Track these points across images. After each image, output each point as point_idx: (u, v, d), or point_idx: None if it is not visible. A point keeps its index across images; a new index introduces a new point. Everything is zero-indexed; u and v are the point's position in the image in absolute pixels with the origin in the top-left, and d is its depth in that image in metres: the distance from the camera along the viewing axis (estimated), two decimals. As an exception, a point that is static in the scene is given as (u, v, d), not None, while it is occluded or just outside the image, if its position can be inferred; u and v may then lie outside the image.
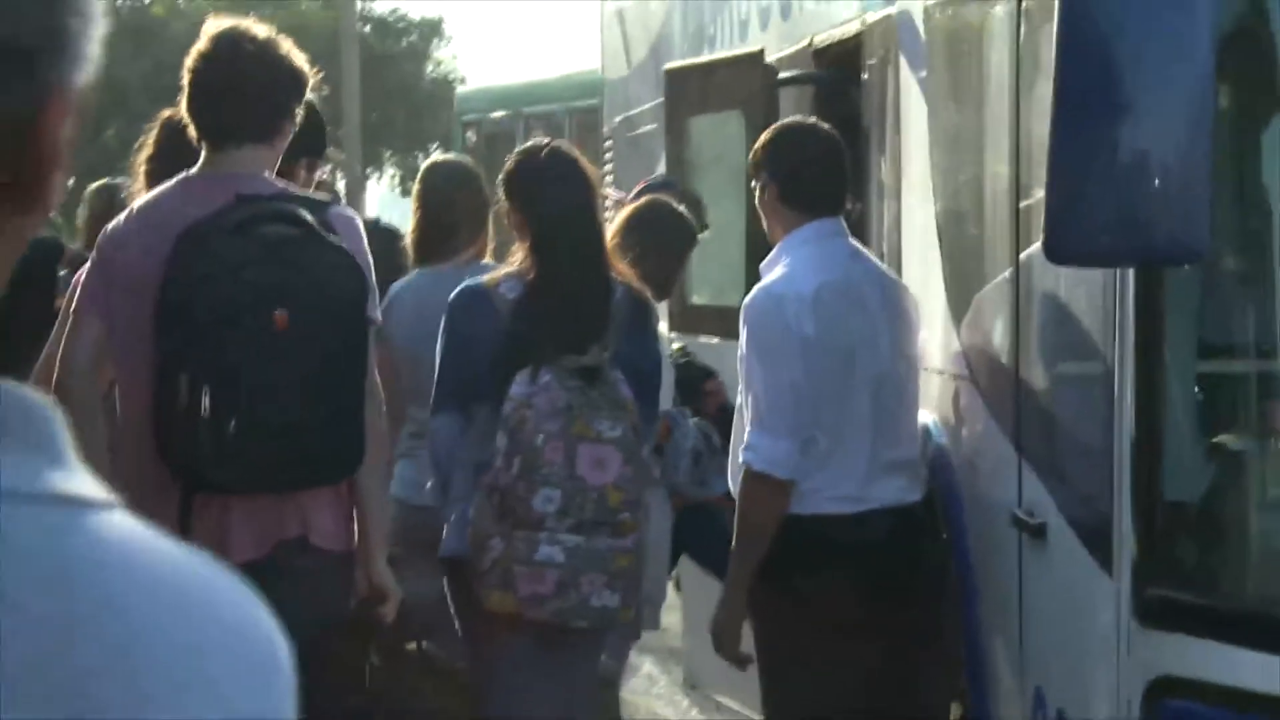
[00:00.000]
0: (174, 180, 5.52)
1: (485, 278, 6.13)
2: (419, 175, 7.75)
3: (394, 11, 33.61)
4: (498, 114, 22.64)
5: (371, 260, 5.45)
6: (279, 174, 6.54)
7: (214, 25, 5.58)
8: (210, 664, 1.47)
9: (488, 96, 24.50)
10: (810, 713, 6.20)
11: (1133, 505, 4.70)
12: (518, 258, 6.02)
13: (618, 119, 12.01)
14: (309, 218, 5.28)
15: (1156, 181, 4.26)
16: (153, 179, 6.14)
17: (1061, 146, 4.34)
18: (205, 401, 5.14)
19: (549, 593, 5.73)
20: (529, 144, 6.42)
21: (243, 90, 5.43)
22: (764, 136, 6.54)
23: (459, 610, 5.92)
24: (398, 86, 31.03)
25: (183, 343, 5.20)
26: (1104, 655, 4.85)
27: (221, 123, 5.45)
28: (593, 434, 5.75)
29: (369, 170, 28.36)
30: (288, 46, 5.56)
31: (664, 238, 7.35)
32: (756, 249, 6.96)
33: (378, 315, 5.50)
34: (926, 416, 6.51)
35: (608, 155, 12.53)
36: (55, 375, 5.36)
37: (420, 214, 7.23)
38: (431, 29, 33.73)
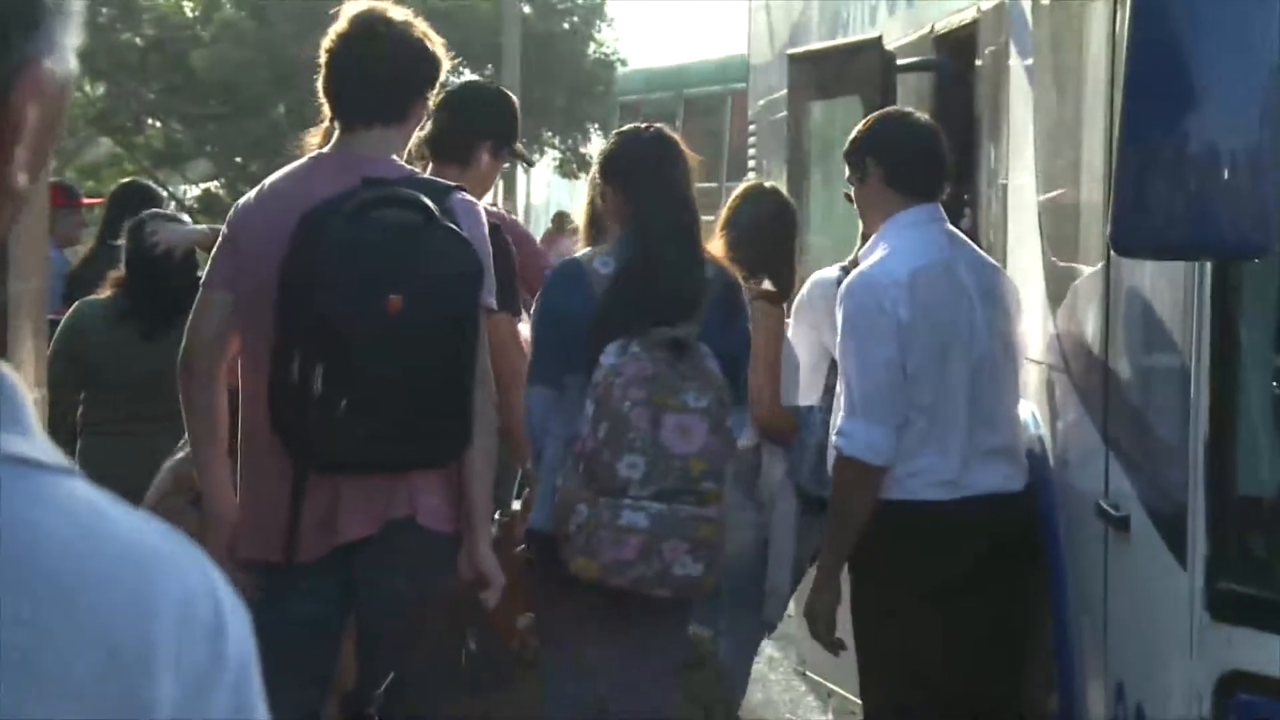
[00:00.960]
0: (306, 158, 5.61)
1: (581, 253, 6.19)
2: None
3: (557, -4, 33.78)
4: (657, 95, 22.61)
5: (490, 247, 5.49)
6: (456, 151, 6.68)
7: (352, 6, 5.62)
8: (149, 626, 1.48)
9: (647, 78, 24.52)
10: (905, 698, 6.24)
11: (1206, 499, 4.69)
12: (613, 236, 6.07)
13: (761, 103, 12.05)
14: (430, 204, 5.30)
15: (1224, 175, 4.25)
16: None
17: (1129, 138, 4.33)
18: (317, 381, 5.19)
19: (632, 558, 5.74)
20: (630, 127, 6.47)
21: (374, 72, 5.49)
22: (865, 123, 6.60)
23: (540, 584, 5.94)
24: (559, 67, 31.17)
25: (298, 322, 5.25)
26: (1177, 649, 4.83)
27: (353, 103, 5.51)
28: (678, 404, 5.78)
29: (531, 150, 28.33)
30: (423, 29, 5.61)
31: (765, 222, 7.41)
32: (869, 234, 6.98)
33: (493, 301, 5.50)
34: (1026, 406, 6.51)
35: (751, 138, 12.57)
36: (184, 343, 5.46)
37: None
38: (593, 10, 33.88)
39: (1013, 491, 6.22)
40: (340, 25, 5.55)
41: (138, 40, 29.94)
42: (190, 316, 5.51)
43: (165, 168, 31.58)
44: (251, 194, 5.61)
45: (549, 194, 44.21)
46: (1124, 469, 5.40)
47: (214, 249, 5.62)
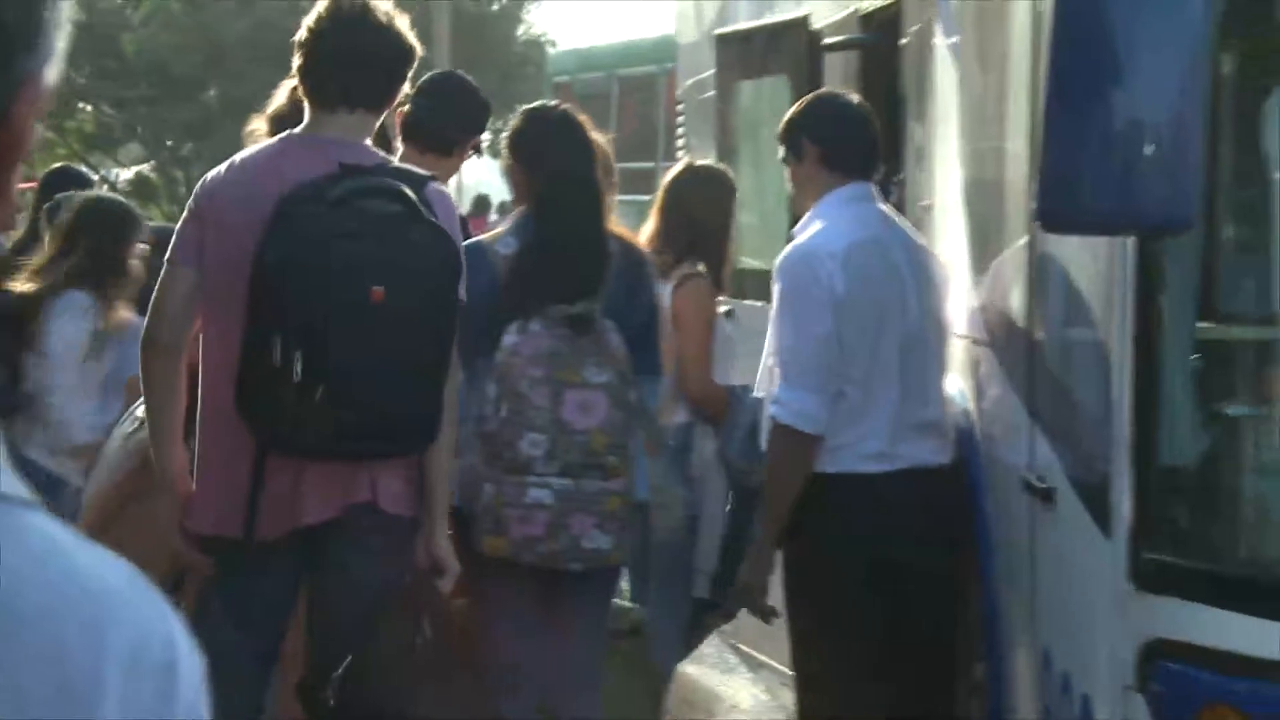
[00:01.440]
0: (276, 138, 5.57)
1: (485, 235, 6.24)
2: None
3: (485, -27, 33.77)
4: (590, 75, 22.51)
5: (462, 236, 5.51)
6: (442, 142, 6.75)
7: None
8: (100, 663, 1.46)
9: (580, 58, 24.39)
10: (836, 668, 6.25)
11: (1130, 470, 4.72)
12: (517, 214, 6.14)
13: (689, 82, 12.05)
14: (412, 196, 5.29)
15: (1147, 151, 4.26)
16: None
17: (1055, 116, 4.36)
18: (297, 366, 5.14)
19: (540, 534, 5.82)
20: (537, 105, 6.54)
21: (369, 58, 5.46)
22: (801, 104, 6.63)
23: (463, 562, 5.96)
24: (489, 48, 31.14)
25: (279, 305, 5.21)
26: (1102, 618, 4.87)
27: (340, 86, 5.45)
28: (579, 380, 5.85)
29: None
30: (404, 21, 5.60)
31: (705, 199, 7.44)
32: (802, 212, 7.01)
33: (463, 293, 5.47)
34: (953, 381, 6.53)
35: (680, 118, 12.58)
36: (148, 317, 5.44)
37: None
38: (521, -7, 33.97)
39: (941, 465, 6.26)
40: (331, 10, 5.50)
41: (69, 24, 29.90)
42: (155, 291, 5.46)
43: (97, 152, 31.55)
44: (220, 170, 5.51)
45: (480, 177, 44.14)
46: (1049, 442, 5.43)
47: (179, 224, 5.55)
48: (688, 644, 7.76)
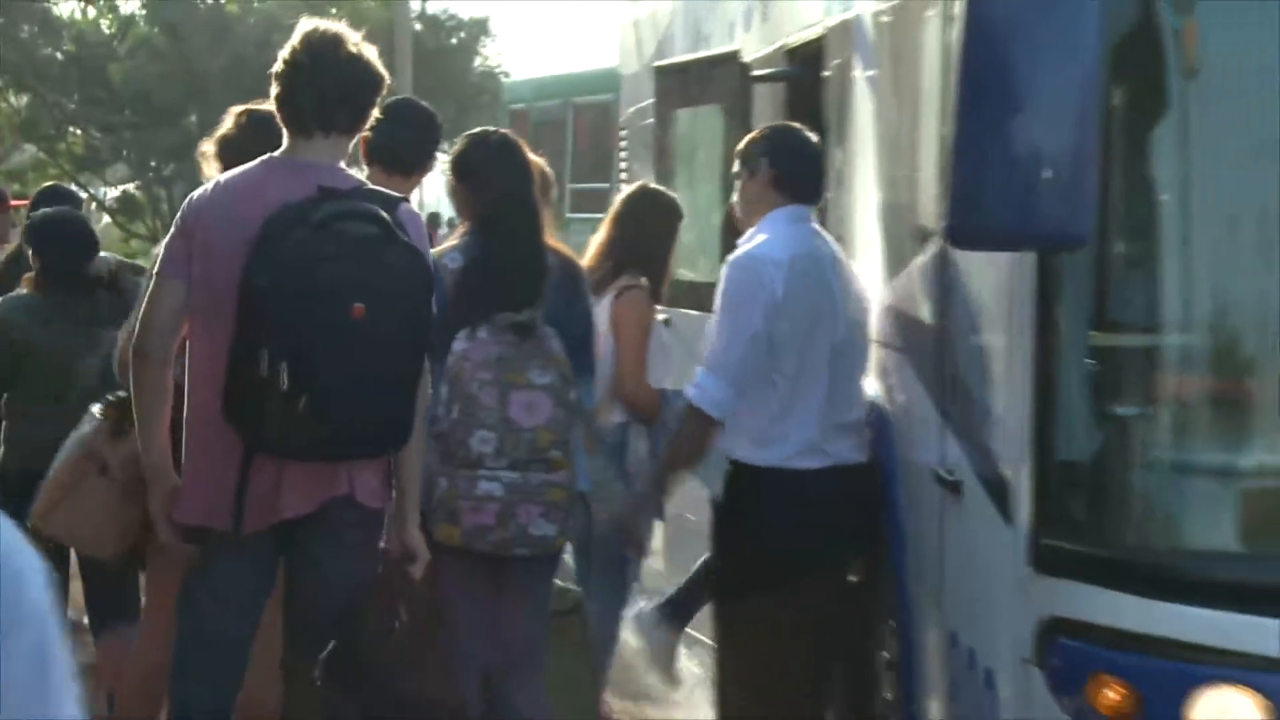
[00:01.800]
0: (257, 161, 5.52)
1: (433, 250, 6.17)
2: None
3: (445, 10, 33.65)
4: (546, 103, 22.30)
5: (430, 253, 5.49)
6: (409, 164, 6.65)
7: (312, 24, 5.54)
8: None
9: (536, 87, 24.13)
10: (763, 643, 6.26)
11: (1030, 464, 4.75)
12: (460, 232, 6.14)
13: (631, 110, 12.02)
14: (387, 218, 5.26)
15: (1046, 175, 4.28)
16: (224, 162, 6.19)
17: (962, 142, 4.38)
18: (284, 378, 5.10)
19: (491, 523, 5.83)
20: (479, 130, 6.51)
21: (342, 86, 5.41)
22: (764, 130, 6.70)
23: (431, 549, 5.97)
24: (447, 80, 31.02)
25: (266, 322, 5.16)
26: (1005, 599, 4.89)
27: (317, 114, 5.39)
28: (524, 381, 5.86)
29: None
30: (374, 52, 5.59)
31: (652, 220, 7.49)
32: (733, 227, 7.01)
33: (434, 307, 5.46)
34: (870, 382, 6.54)
35: (623, 143, 12.55)
36: (134, 332, 5.39)
37: None
38: (479, 27, 33.75)
39: (861, 462, 6.29)
40: (306, 42, 5.48)
41: (59, 55, 29.63)
42: (144, 302, 5.42)
43: (86, 172, 31.33)
44: (206, 190, 5.45)
45: (440, 195, 43.97)
46: (957, 439, 5.45)
47: (166, 239, 5.51)
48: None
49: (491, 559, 5.90)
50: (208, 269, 5.26)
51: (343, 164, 5.46)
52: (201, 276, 5.28)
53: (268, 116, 6.16)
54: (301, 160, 5.36)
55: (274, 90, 5.48)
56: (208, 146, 6.23)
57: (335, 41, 5.44)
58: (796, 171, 6.45)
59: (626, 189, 8.12)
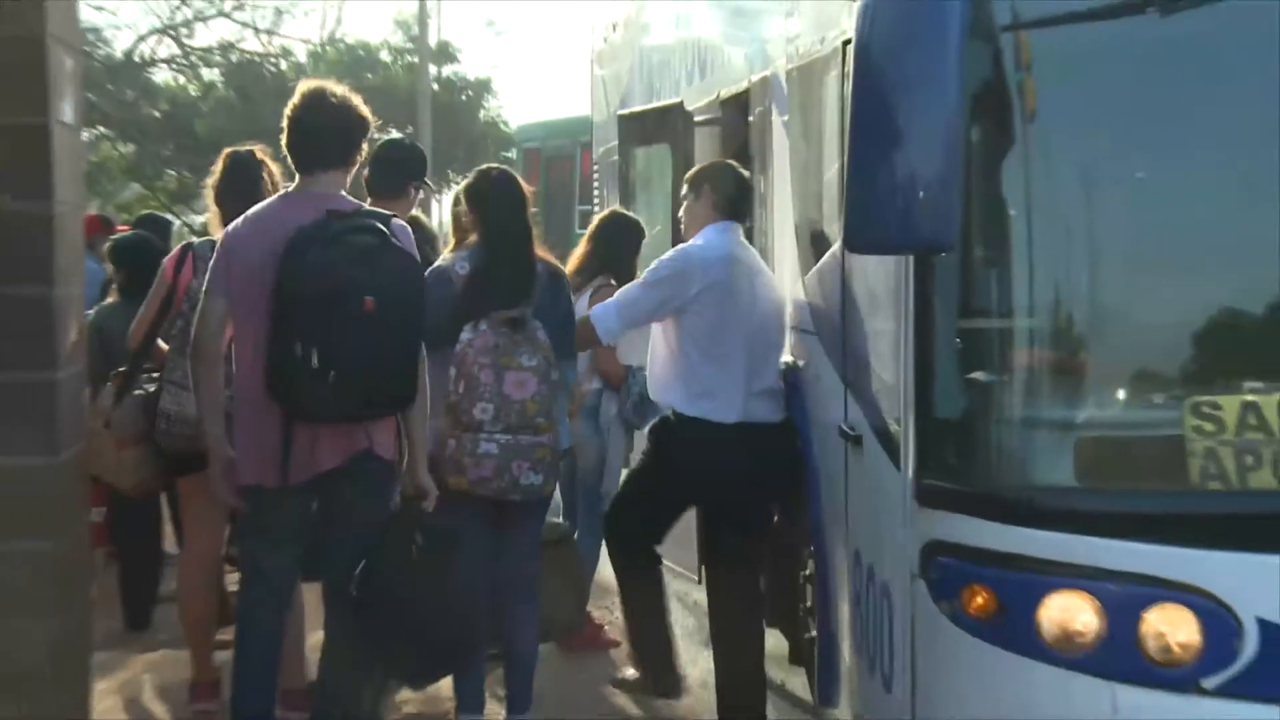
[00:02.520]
0: (277, 195, 5.62)
1: (445, 259, 6.21)
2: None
3: (456, 74, 33.55)
4: (556, 142, 21.83)
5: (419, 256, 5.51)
6: (392, 190, 6.80)
7: (307, 84, 5.62)
8: None
9: (546, 128, 23.63)
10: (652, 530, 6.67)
11: (913, 421, 4.73)
12: (469, 244, 6.12)
13: (601, 149, 12.01)
14: (384, 229, 5.31)
15: (920, 195, 4.27)
16: (219, 199, 6.22)
17: (855, 170, 4.36)
18: (314, 359, 5.16)
19: (489, 475, 5.87)
20: (484, 166, 6.53)
21: (330, 130, 5.47)
22: (710, 164, 6.94)
23: (440, 491, 5.98)
24: (459, 127, 30.95)
25: (297, 317, 5.20)
26: (895, 526, 4.86)
27: (313, 154, 5.48)
28: (516, 364, 5.88)
29: (440, 185, 28.21)
30: (358, 99, 5.60)
31: (621, 236, 7.57)
32: (679, 237, 7.06)
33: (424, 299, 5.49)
34: (789, 358, 6.54)
35: (596, 175, 12.52)
36: (193, 335, 5.49)
37: None
38: (483, 86, 33.70)
39: (774, 421, 6.36)
40: (298, 97, 5.54)
41: (156, 113, 29.52)
42: (197, 317, 5.50)
43: (179, 204, 31.19)
44: (238, 223, 5.52)
45: (449, 216, 43.79)
46: (856, 402, 5.44)
47: (211, 265, 5.55)
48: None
49: (491, 502, 5.93)
50: (245, 283, 5.32)
51: (343, 192, 5.49)
52: (239, 288, 5.35)
53: (244, 156, 6.26)
54: (310, 192, 5.45)
55: (283, 139, 5.53)
56: (208, 181, 6.37)
57: (321, 95, 5.53)
58: (732, 197, 6.56)
59: (600, 212, 8.16)
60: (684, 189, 6.75)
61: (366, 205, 5.60)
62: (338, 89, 5.57)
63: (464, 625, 5.58)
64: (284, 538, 5.49)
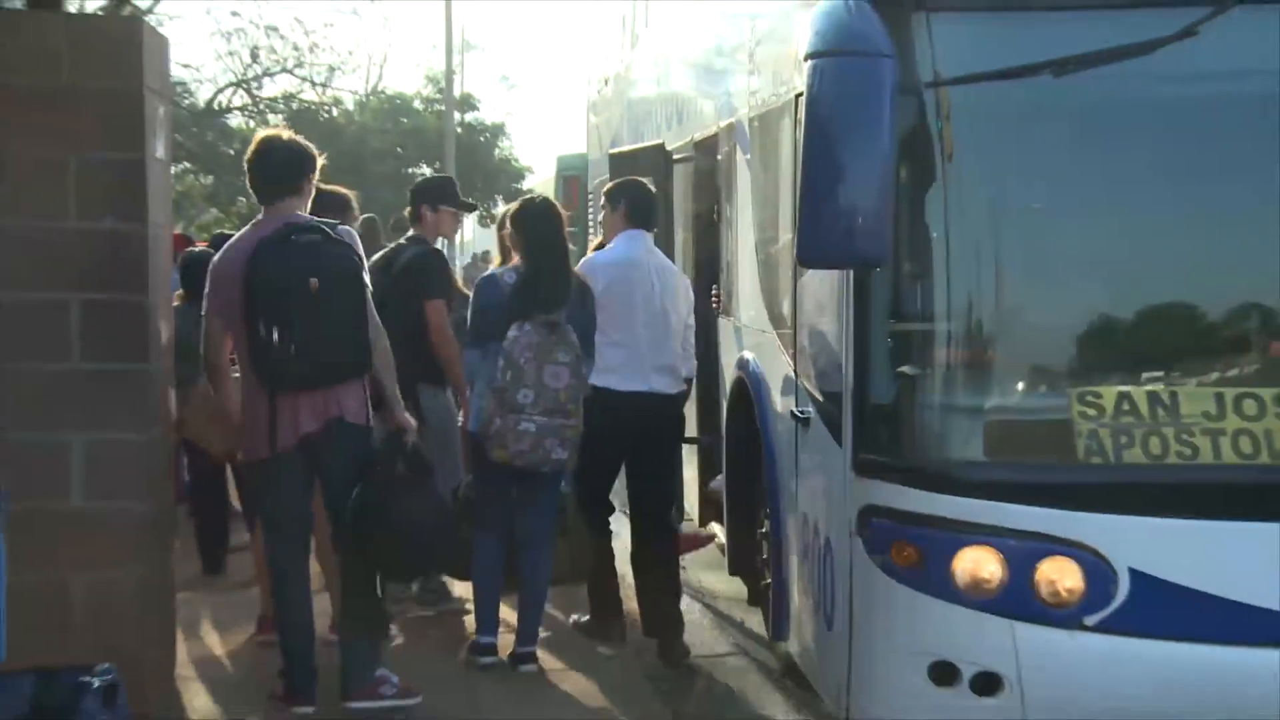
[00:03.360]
0: (249, 224, 5.60)
1: (496, 270, 6.26)
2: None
3: (476, 119, 33.43)
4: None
5: (363, 252, 5.50)
6: (413, 213, 6.93)
7: (259, 134, 5.69)
8: None
9: (584, 159, 23.23)
10: (598, 487, 6.66)
11: (852, 406, 4.73)
12: (515, 260, 6.16)
13: (596, 181, 11.99)
14: (326, 229, 5.35)
15: (859, 221, 4.27)
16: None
17: (805, 199, 4.37)
18: (275, 336, 5.23)
19: (527, 449, 5.90)
20: (526, 195, 6.70)
21: (280, 167, 5.52)
22: (622, 180, 6.90)
23: (473, 464, 6.11)
24: (479, 163, 30.88)
25: (260, 304, 5.27)
26: (837, 493, 4.87)
27: (269, 188, 5.54)
28: (553, 359, 5.90)
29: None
30: (301, 139, 5.63)
31: None
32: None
33: (368, 281, 5.50)
34: (749, 353, 6.52)
35: (591, 203, 12.50)
36: (203, 352, 5.52)
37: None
38: (499, 129, 33.62)
39: (671, 393, 6.52)
40: (252, 146, 5.60)
41: (231, 151, 29.45)
42: (202, 336, 5.53)
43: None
44: (220, 252, 5.58)
45: (474, 237, 43.63)
46: (806, 389, 5.42)
47: (205, 292, 5.57)
48: None
49: (522, 471, 5.98)
50: (229, 294, 5.37)
51: (300, 212, 5.49)
52: (226, 301, 5.40)
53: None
54: (270, 217, 5.48)
55: (246, 182, 5.58)
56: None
57: (270, 140, 5.58)
58: (641, 209, 6.60)
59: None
60: (602, 201, 6.80)
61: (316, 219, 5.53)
62: (284, 134, 5.65)
63: (440, 531, 5.55)
64: (287, 495, 5.51)
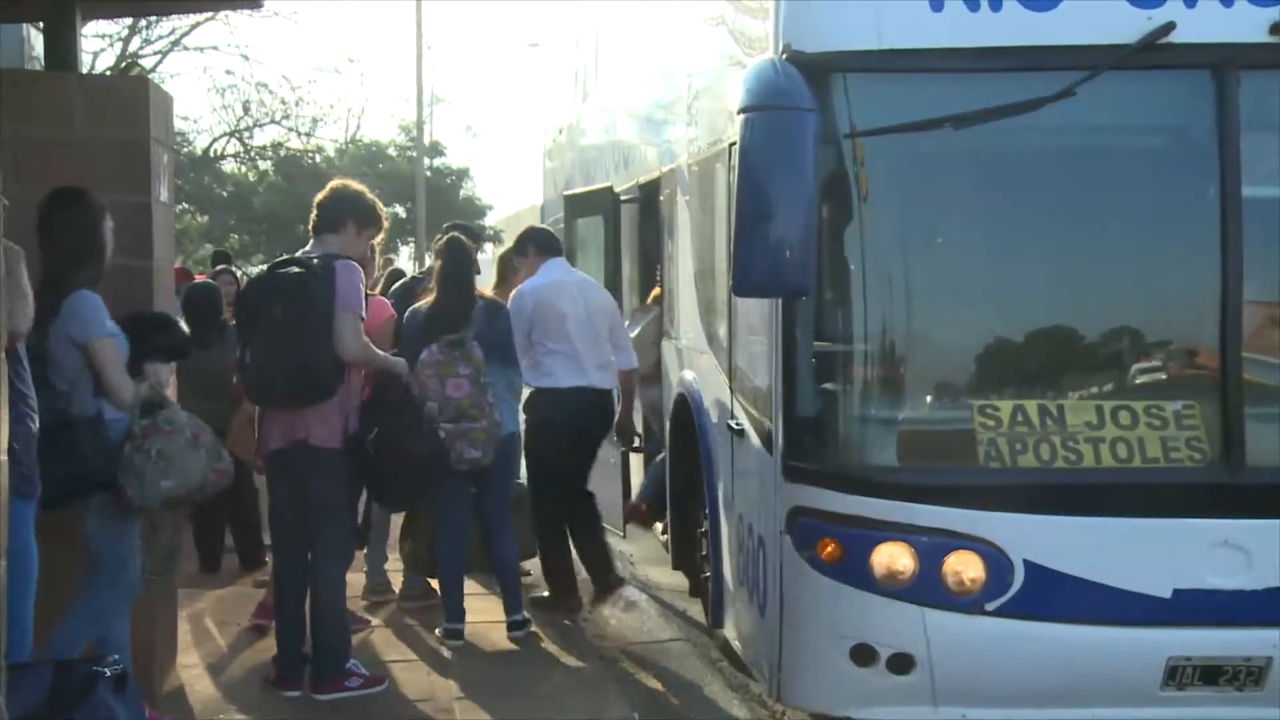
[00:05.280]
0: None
1: (419, 303, 6.40)
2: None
3: (444, 164, 33.31)
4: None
5: (360, 286, 5.35)
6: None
7: (334, 181, 5.65)
8: None
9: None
10: (543, 483, 6.82)
11: (780, 419, 4.73)
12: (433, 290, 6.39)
13: (551, 219, 11.96)
14: (305, 266, 5.26)
15: (786, 255, 4.29)
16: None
17: (738, 236, 4.37)
18: (249, 356, 5.24)
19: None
20: (443, 235, 6.69)
21: (322, 207, 5.51)
22: (528, 230, 7.35)
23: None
24: (446, 203, 30.73)
25: (242, 328, 5.32)
26: (768, 495, 4.86)
27: (316, 223, 5.51)
28: (453, 372, 6.02)
29: (431, 245, 27.97)
30: (362, 189, 5.62)
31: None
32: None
33: (356, 308, 5.33)
34: (689, 372, 6.52)
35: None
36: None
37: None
38: (463, 173, 33.49)
39: (607, 388, 6.83)
40: (325, 190, 5.56)
41: (224, 193, 29.22)
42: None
43: (240, 259, 30.86)
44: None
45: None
46: (741, 404, 5.42)
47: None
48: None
49: (462, 471, 6.10)
50: None
51: (335, 248, 5.41)
52: None
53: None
54: (311, 248, 5.48)
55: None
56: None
57: (334, 185, 5.58)
58: (546, 244, 7.01)
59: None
60: (514, 249, 7.09)
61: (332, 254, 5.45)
62: (352, 184, 5.60)
63: (431, 460, 5.67)
64: (278, 501, 5.53)
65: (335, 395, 5.27)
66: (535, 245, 7.00)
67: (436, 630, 6.42)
